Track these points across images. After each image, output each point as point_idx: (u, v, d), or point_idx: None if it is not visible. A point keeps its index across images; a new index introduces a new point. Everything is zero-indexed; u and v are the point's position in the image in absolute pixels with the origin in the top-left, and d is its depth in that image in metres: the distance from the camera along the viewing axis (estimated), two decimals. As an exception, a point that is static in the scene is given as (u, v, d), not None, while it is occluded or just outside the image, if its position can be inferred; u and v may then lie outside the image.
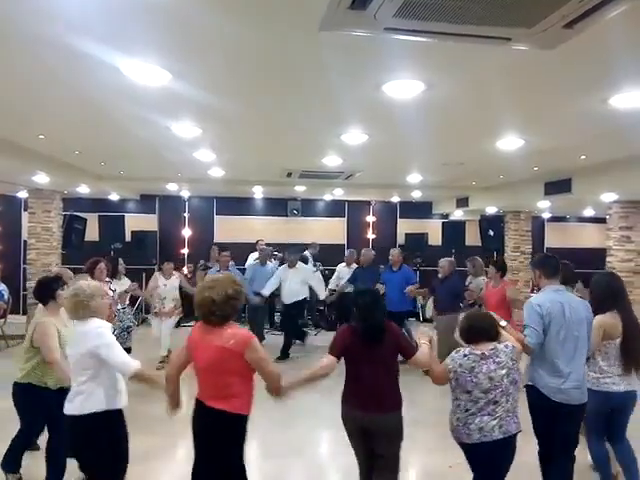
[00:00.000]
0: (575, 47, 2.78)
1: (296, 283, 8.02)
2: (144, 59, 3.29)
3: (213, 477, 2.84)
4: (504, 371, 2.88)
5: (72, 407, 2.95)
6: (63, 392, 3.19)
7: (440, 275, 7.21)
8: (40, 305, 3.82)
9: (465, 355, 2.95)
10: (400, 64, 3.31)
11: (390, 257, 8.01)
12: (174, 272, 7.48)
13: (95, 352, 2.88)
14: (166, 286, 7.24)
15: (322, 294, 8.59)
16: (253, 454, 4.53)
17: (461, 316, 3.92)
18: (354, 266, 8.87)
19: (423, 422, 4.86)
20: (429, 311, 10.41)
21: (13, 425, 3.79)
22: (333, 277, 9.38)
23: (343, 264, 9.38)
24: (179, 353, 3.06)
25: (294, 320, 8.39)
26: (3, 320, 8.31)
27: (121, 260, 6.74)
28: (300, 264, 8.36)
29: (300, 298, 8.16)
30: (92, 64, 3.33)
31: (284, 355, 7.71)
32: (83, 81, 3.75)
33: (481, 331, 3.02)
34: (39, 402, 3.60)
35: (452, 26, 2.47)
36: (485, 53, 3.00)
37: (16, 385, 3.67)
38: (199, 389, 2.85)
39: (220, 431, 2.77)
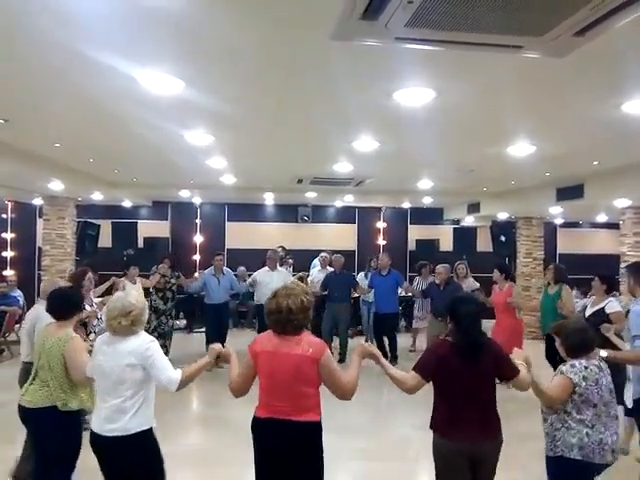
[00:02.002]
0: (587, 54, 2.79)
1: (278, 286, 7.93)
2: (158, 68, 3.34)
3: None
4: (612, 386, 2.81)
5: (116, 427, 2.72)
6: (79, 415, 3.14)
7: (438, 281, 7.35)
8: (47, 319, 3.43)
9: (586, 367, 2.76)
10: (411, 72, 3.33)
11: (379, 261, 8.17)
12: (137, 278, 7.19)
13: (146, 365, 2.75)
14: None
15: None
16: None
17: None
18: (329, 269, 8.79)
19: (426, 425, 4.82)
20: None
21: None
22: (308, 281, 9.07)
23: (318, 267, 9.23)
24: (244, 371, 2.77)
25: None
26: (18, 325, 8.41)
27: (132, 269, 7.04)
28: (279, 267, 8.28)
29: None
30: (107, 73, 3.40)
31: None
32: (98, 90, 3.82)
33: (592, 342, 2.87)
34: (62, 427, 3.19)
35: (463, 35, 2.49)
36: (496, 60, 3.02)
37: (32, 411, 3.17)
38: (273, 404, 2.65)
39: (310, 444, 2.67)
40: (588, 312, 5.16)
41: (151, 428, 2.82)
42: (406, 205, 12.17)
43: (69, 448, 3.19)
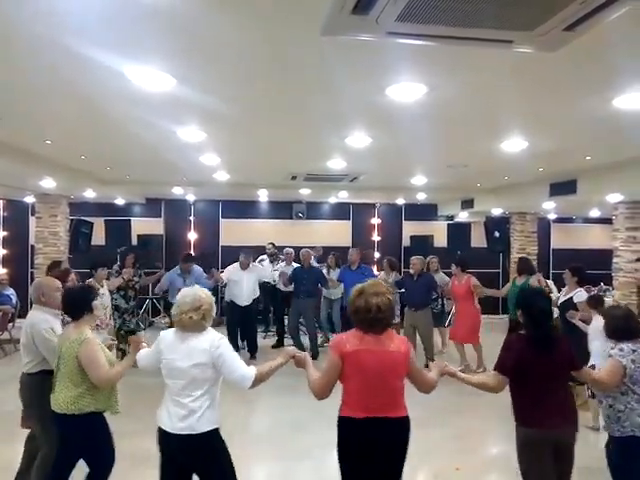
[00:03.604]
0: (578, 49, 2.79)
1: (252, 284, 7.97)
2: (149, 64, 3.32)
3: None
4: None
5: (186, 426, 2.71)
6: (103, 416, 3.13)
7: (412, 272, 7.61)
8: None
9: (634, 350, 3.01)
10: (403, 67, 3.32)
11: (349, 256, 8.19)
12: (104, 281, 6.64)
13: (217, 364, 2.74)
14: (104, 295, 6.23)
15: (276, 278, 8.53)
16: (262, 456, 4.56)
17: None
18: (295, 265, 8.77)
19: (427, 423, 4.85)
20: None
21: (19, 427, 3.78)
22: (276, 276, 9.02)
23: (283, 263, 9.24)
24: (330, 372, 2.74)
25: (254, 324, 8.27)
26: (11, 324, 8.38)
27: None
28: (252, 264, 8.24)
29: (256, 296, 8.15)
30: (97, 69, 3.37)
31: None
32: (89, 86, 3.79)
33: (637, 328, 3.10)
34: (95, 431, 3.17)
35: (454, 29, 2.48)
36: (488, 55, 3.01)
37: (60, 417, 3.09)
38: (366, 402, 2.66)
39: (404, 440, 2.72)
40: (560, 300, 5.83)
41: (218, 428, 2.81)
42: (400, 201, 12.18)
43: (101, 450, 3.17)
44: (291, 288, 8.28)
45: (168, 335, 2.88)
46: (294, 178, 8.68)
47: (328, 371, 2.74)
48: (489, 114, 4.50)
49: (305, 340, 8.09)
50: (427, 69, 3.36)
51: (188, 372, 2.72)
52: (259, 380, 2.80)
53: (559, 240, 13.08)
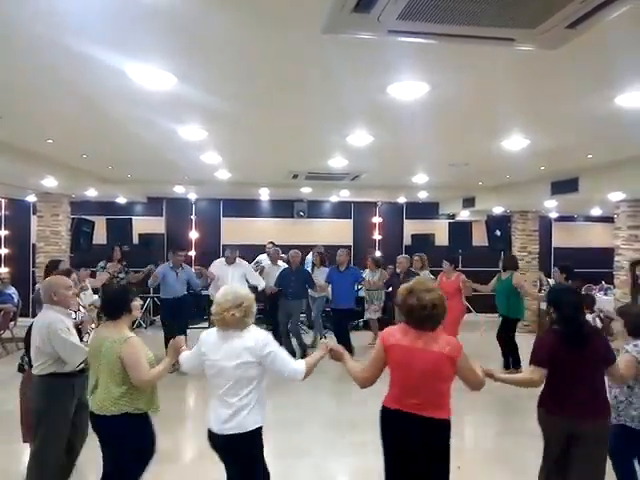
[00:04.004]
0: (580, 47, 2.78)
1: (238, 279, 7.71)
2: (150, 63, 3.32)
3: None
4: None
5: (232, 426, 2.72)
6: (147, 415, 3.09)
7: (399, 271, 7.80)
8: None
9: None
10: (404, 65, 3.32)
11: (337, 257, 8.16)
12: (87, 280, 6.54)
13: (265, 361, 2.74)
14: (87, 293, 6.13)
15: (262, 284, 8.14)
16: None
17: None
18: (282, 265, 8.68)
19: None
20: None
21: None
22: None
23: (269, 263, 9.06)
24: (374, 361, 2.82)
25: None
26: (13, 323, 8.39)
27: None
28: (238, 259, 8.03)
29: None
30: (98, 68, 3.37)
31: None
32: (89, 85, 3.79)
33: None
34: (133, 431, 3.08)
35: (455, 27, 2.48)
36: (490, 53, 3.01)
37: (102, 418, 3.01)
38: (405, 398, 2.70)
39: (439, 440, 2.70)
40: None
41: (261, 427, 2.83)
42: (402, 200, 12.18)
43: (142, 451, 3.12)
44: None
45: (210, 336, 2.88)
46: (295, 177, 8.67)
47: (372, 361, 2.81)
48: (490, 112, 4.50)
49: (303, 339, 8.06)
50: (428, 67, 3.36)
51: (233, 372, 2.72)
52: (308, 372, 2.85)
53: (561, 239, 13.08)
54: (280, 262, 8.97)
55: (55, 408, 3.42)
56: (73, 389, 3.50)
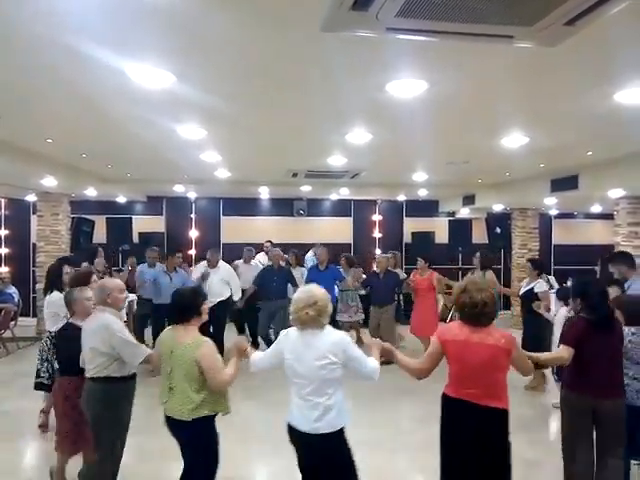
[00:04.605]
0: (579, 43, 2.78)
1: (217, 282, 7.32)
2: (148, 62, 3.32)
3: (490, 475, 2.87)
4: None
5: (323, 425, 2.75)
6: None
7: (378, 270, 7.72)
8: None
9: (633, 333, 3.49)
10: (403, 63, 3.32)
11: (317, 256, 8.02)
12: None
13: (345, 361, 2.77)
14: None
15: (238, 295, 7.64)
16: (263, 453, 4.56)
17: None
18: (255, 264, 8.50)
19: (426, 418, 4.85)
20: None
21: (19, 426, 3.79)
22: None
23: (241, 262, 8.74)
24: (431, 355, 2.99)
25: (221, 326, 7.33)
26: (14, 322, 8.39)
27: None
28: (221, 262, 7.57)
29: (224, 298, 7.38)
30: (97, 67, 3.37)
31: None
32: (89, 85, 3.79)
33: None
34: (209, 434, 3.08)
35: (454, 25, 2.48)
36: (488, 51, 3.01)
37: (181, 423, 2.97)
38: (463, 388, 2.87)
39: (497, 429, 2.86)
40: (522, 291, 6.49)
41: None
42: (401, 198, 12.18)
43: (215, 453, 3.11)
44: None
45: (289, 335, 2.92)
46: (295, 175, 8.67)
47: (428, 355, 2.99)
48: (490, 110, 4.49)
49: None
50: (427, 65, 3.36)
51: (318, 371, 2.76)
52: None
53: (560, 236, 13.08)
54: (253, 261, 8.69)
55: (114, 414, 3.34)
56: (128, 394, 3.45)
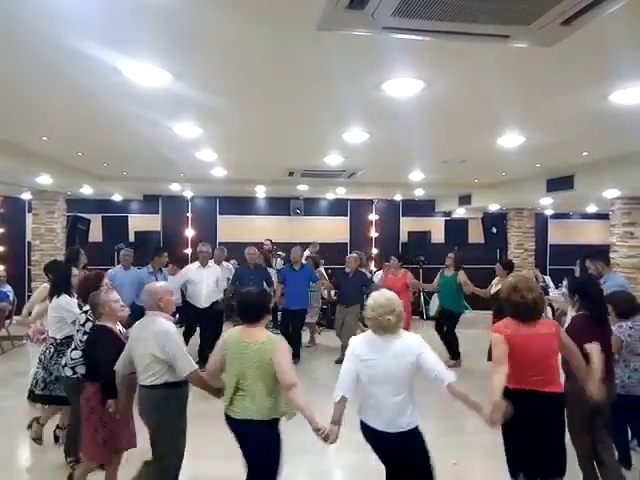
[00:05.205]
0: (575, 43, 2.78)
1: (210, 284, 7.29)
2: (145, 60, 3.30)
3: (551, 457, 3.14)
4: None
5: (406, 422, 2.94)
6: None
7: (347, 270, 7.72)
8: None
9: (631, 327, 3.94)
10: (399, 62, 3.31)
11: (291, 256, 7.93)
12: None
13: (419, 361, 2.90)
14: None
15: (220, 295, 7.52)
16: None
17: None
18: (226, 265, 8.40)
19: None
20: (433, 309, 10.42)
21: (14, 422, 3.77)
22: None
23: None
24: (503, 352, 3.13)
25: (215, 328, 7.09)
26: (9, 321, 8.36)
27: None
28: (211, 262, 7.57)
29: (216, 299, 7.37)
30: (93, 65, 3.36)
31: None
32: (84, 82, 3.77)
33: (638, 307, 4.01)
34: (276, 435, 3.10)
35: (450, 24, 2.47)
36: (484, 50, 3.01)
37: (250, 424, 2.97)
38: (525, 378, 3.08)
39: (559, 412, 3.18)
40: (493, 290, 6.65)
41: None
42: (398, 197, 12.20)
43: (280, 454, 3.13)
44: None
45: (364, 340, 3.03)
46: (291, 174, 8.66)
47: (502, 357, 3.09)
48: (486, 109, 4.50)
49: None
50: (423, 64, 3.35)
51: (397, 373, 2.90)
52: None
53: (556, 236, 13.12)
54: (225, 262, 8.45)
55: (174, 419, 3.30)
56: (185, 400, 3.42)
